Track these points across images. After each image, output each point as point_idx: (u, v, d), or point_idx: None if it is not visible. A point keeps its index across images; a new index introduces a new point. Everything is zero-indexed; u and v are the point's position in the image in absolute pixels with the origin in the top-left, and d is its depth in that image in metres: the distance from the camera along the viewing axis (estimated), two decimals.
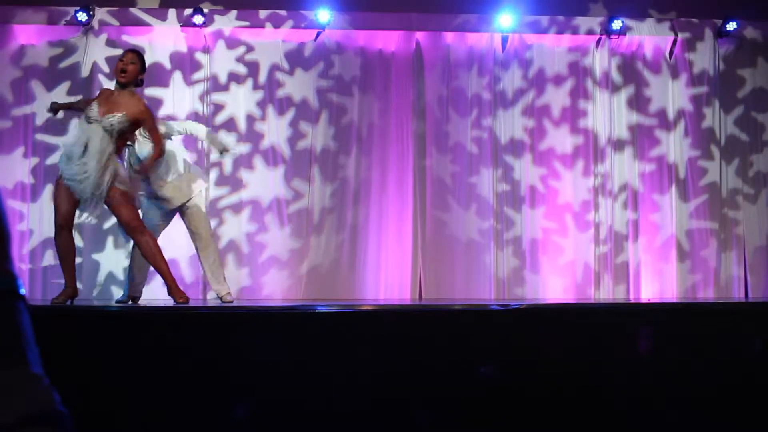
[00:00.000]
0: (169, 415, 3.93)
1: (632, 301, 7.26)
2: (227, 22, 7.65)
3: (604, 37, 7.91)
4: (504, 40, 7.87)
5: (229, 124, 7.62)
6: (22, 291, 1.06)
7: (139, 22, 7.58)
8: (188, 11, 7.54)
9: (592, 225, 7.80)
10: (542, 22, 7.89)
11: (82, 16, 7.35)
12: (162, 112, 7.49)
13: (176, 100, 7.57)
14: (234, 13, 7.66)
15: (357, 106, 7.71)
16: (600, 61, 7.96)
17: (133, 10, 7.57)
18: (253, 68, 7.69)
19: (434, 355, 4.21)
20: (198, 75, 7.64)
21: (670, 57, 7.97)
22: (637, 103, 7.95)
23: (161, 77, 7.57)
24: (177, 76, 7.62)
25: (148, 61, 7.37)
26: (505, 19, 7.70)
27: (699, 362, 4.41)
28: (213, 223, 7.48)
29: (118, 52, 7.42)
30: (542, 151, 7.85)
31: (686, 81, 7.97)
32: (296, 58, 7.73)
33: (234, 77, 7.68)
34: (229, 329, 4.19)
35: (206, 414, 3.95)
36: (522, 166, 7.81)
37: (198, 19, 7.45)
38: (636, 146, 7.91)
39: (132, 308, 5.06)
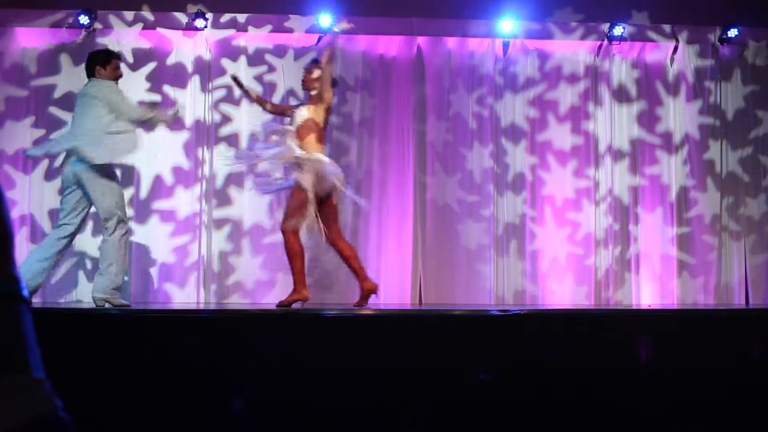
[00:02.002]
0: (168, 417, 3.93)
1: (633, 308, 7.27)
2: (230, 25, 7.66)
3: (605, 42, 7.92)
4: (506, 45, 7.88)
5: (231, 139, 7.63)
6: (25, 293, 1.05)
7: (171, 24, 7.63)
8: (180, 14, 7.58)
9: (570, 223, 7.81)
10: (554, 26, 7.92)
11: (84, 20, 7.35)
12: (172, 113, 7.51)
13: (186, 102, 7.58)
14: (236, 16, 7.68)
15: (358, 110, 7.72)
16: (617, 70, 7.98)
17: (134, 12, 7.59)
18: (267, 88, 7.68)
19: (434, 359, 4.20)
20: (216, 83, 7.67)
21: (671, 63, 7.98)
22: (646, 119, 7.96)
23: (181, 78, 7.63)
24: (195, 80, 7.64)
25: (171, 60, 7.51)
26: (507, 25, 7.72)
27: (698, 368, 4.41)
28: (190, 235, 7.47)
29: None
30: (540, 143, 7.89)
31: (700, 108, 7.97)
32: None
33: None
34: (230, 331, 4.19)
35: (206, 416, 3.95)
36: (516, 151, 7.85)
37: (200, 23, 7.45)
38: (633, 160, 7.91)
39: (131, 310, 5.05)
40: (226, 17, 7.65)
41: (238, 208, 7.56)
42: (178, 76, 7.62)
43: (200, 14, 7.44)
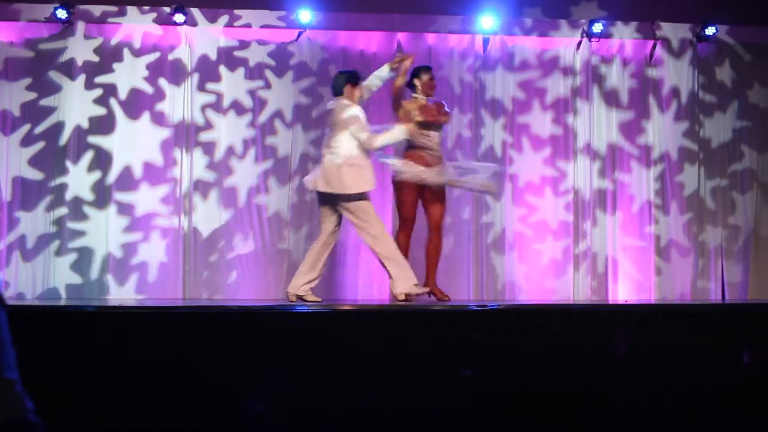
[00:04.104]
0: (148, 415, 3.91)
1: (611, 303, 7.31)
2: (205, 22, 7.63)
3: (584, 39, 7.96)
4: (485, 41, 7.91)
5: (209, 146, 7.58)
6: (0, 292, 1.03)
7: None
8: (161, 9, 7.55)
9: (527, 205, 7.85)
10: (534, 22, 7.96)
11: (61, 14, 7.29)
12: (159, 107, 7.54)
13: (175, 100, 7.57)
14: (213, 12, 7.65)
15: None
16: (612, 73, 8.02)
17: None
18: (259, 103, 7.68)
19: (412, 355, 4.21)
20: (213, 85, 7.65)
21: (650, 60, 8.03)
22: (631, 128, 8.01)
23: (177, 75, 7.61)
24: (192, 78, 7.63)
25: (176, 55, 7.56)
26: (487, 21, 7.74)
27: (674, 363, 4.44)
28: (141, 234, 7.44)
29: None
30: (519, 124, 7.93)
31: (685, 131, 8.02)
32: (279, 64, 7.75)
33: (238, 108, 7.66)
34: (208, 329, 4.18)
35: (186, 413, 3.94)
36: (493, 126, 7.87)
37: (179, 17, 7.42)
38: (610, 164, 7.94)
39: (110, 308, 5.03)
40: (206, 15, 7.64)
41: (196, 218, 7.50)
42: (173, 72, 7.60)
43: (179, 9, 7.40)
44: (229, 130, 7.60)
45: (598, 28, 7.84)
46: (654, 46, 8.02)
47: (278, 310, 4.67)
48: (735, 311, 5.34)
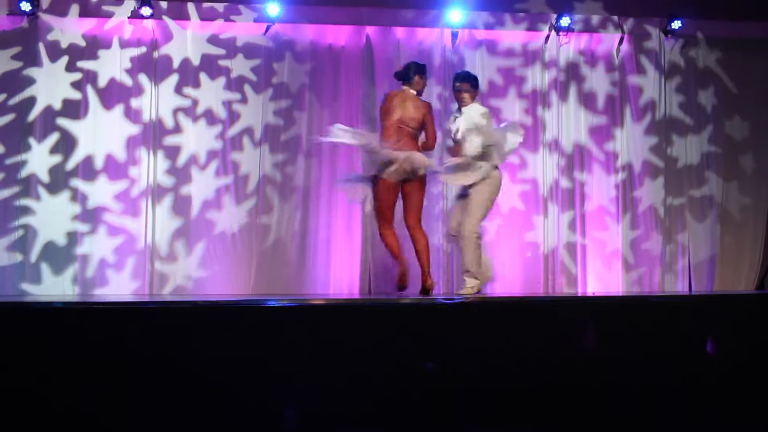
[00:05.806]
0: (114, 413, 3.88)
1: (579, 295, 7.36)
2: (178, 14, 7.60)
3: (552, 32, 8.02)
4: (454, 35, 7.92)
5: (171, 150, 7.52)
6: None
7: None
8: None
9: None
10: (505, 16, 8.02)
11: (25, 6, 7.21)
12: (133, 102, 7.49)
13: (151, 98, 7.51)
14: (188, 5, 7.63)
15: (307, 100, 7.68)
16: (592, 76, 8.10)
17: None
18: (231, 116, 7.64)
19: (381, 349, 4.22)
20: (190, 90, 7.60)
21: (618, 54, 8.10)
22: (600, 133, 8.07)
23: (160, 74, 7.57)
24: (170, 79, 7.59)
25: (161, 53, 7.52)
26: (456, 15, 7.76)
27: (644, 354, 4.48)
28: (89, 226, 7.34)
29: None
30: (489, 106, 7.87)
31: (653, 146, 8.08)
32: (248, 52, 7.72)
33: (209, 117, 7.60)
34: (176, 324, 4.15)
35: (153, 411, 3.92)
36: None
37: (146, 11, 7.37)
38: (574, 163, 8.00)
39: (74, 303, 4.98)
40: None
41: (140, 225, 7.42)
42: (155, 70, 7.54)
43: (146, 2, 7.35)
44: (197, 138, 7.55)
45: (565, 21, 7.90)
46: (621, 40, 8.09)
47: (249, 305, 4.65)
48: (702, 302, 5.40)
